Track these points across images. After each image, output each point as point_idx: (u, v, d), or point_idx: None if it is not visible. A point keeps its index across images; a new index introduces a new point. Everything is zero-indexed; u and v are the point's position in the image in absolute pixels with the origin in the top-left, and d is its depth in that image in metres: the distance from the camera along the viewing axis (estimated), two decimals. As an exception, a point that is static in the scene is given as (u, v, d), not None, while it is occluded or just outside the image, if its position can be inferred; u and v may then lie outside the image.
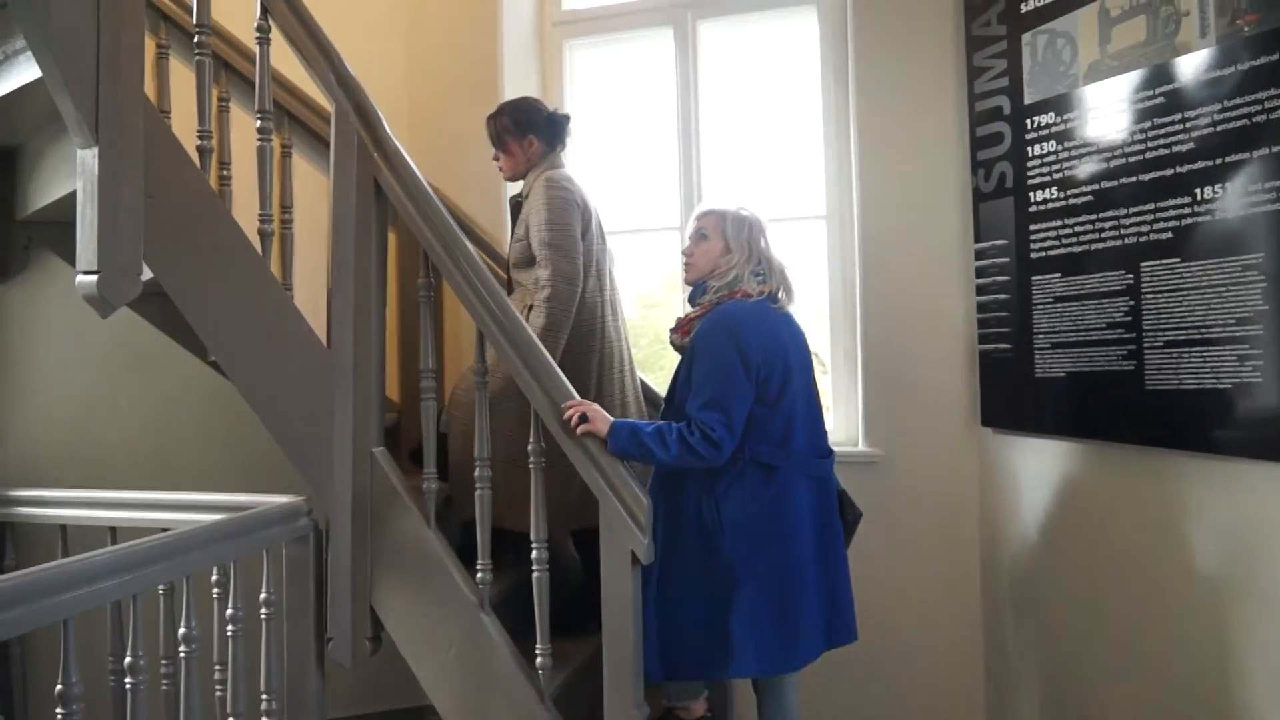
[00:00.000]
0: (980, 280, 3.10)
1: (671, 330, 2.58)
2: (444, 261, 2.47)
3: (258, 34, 2.49)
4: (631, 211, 3.87)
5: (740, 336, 2.35)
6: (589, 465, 2.33)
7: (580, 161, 3.76)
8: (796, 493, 2.40)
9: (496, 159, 2.98)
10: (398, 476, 2.54)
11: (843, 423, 3.49)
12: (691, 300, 2.57)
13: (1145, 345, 2.50)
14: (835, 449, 2.58)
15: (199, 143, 2.40)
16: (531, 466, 2.41)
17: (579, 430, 2.32)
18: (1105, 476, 2.67)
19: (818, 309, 3.60)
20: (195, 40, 2.38)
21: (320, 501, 2.56)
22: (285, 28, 2.49)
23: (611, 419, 2.34)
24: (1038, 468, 2.93)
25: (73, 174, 2.27)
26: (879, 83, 3.34)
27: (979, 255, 3.10)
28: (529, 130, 2.90)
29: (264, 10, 2.46)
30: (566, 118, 2.96)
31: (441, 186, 3.34)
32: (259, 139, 2.49)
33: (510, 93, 3.69)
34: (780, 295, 2.52)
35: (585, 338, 2.80)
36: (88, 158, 2.16)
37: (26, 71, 2.32)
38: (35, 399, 3.73)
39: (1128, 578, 2.57)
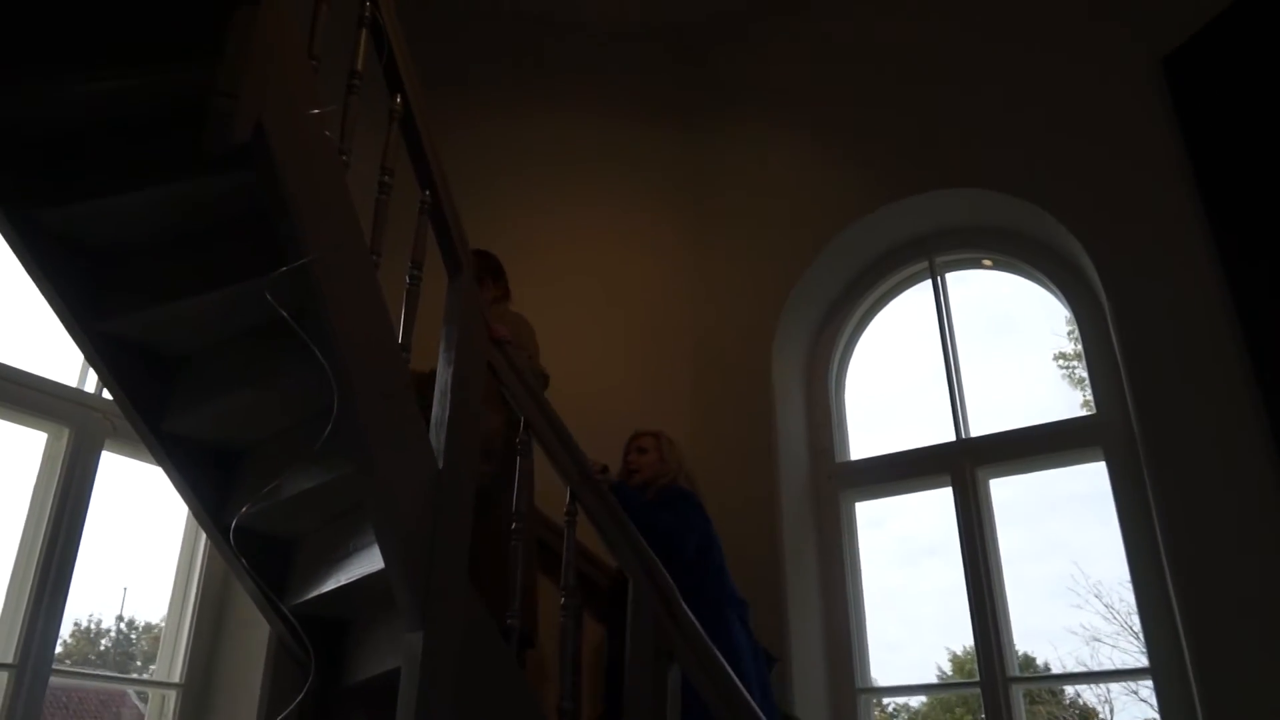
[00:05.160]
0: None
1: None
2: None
3: (567, 516, 2.71)
4: (921, 665, 3.66)
5: (700, 504, 3.29)
6: None
7: (869, 606, 3.68)
8: (746, 633, 3.10)
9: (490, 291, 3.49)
10: None
11: None
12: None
13: None
14: None
15: (509, 622, 2.54)
16: None
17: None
18: None
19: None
20: (513, 526, 2.63)
21: None
22: (590, 509, 2.70)
23: None
24: None
25: (396, 651, 2.45)
26: (1187, 524, 3.10)
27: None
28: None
29: (573, 497, 2.71)
30: None
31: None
32: (561, 615, 2.62)
33: (790, 544, 3.76)
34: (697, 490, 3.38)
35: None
36: (414, 641, 2.33)
37: (369, 563, 2.61)
38: None
39: None
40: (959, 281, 4.21)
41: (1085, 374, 3.76)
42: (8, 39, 2.18)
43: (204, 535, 3.30)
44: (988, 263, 4.19)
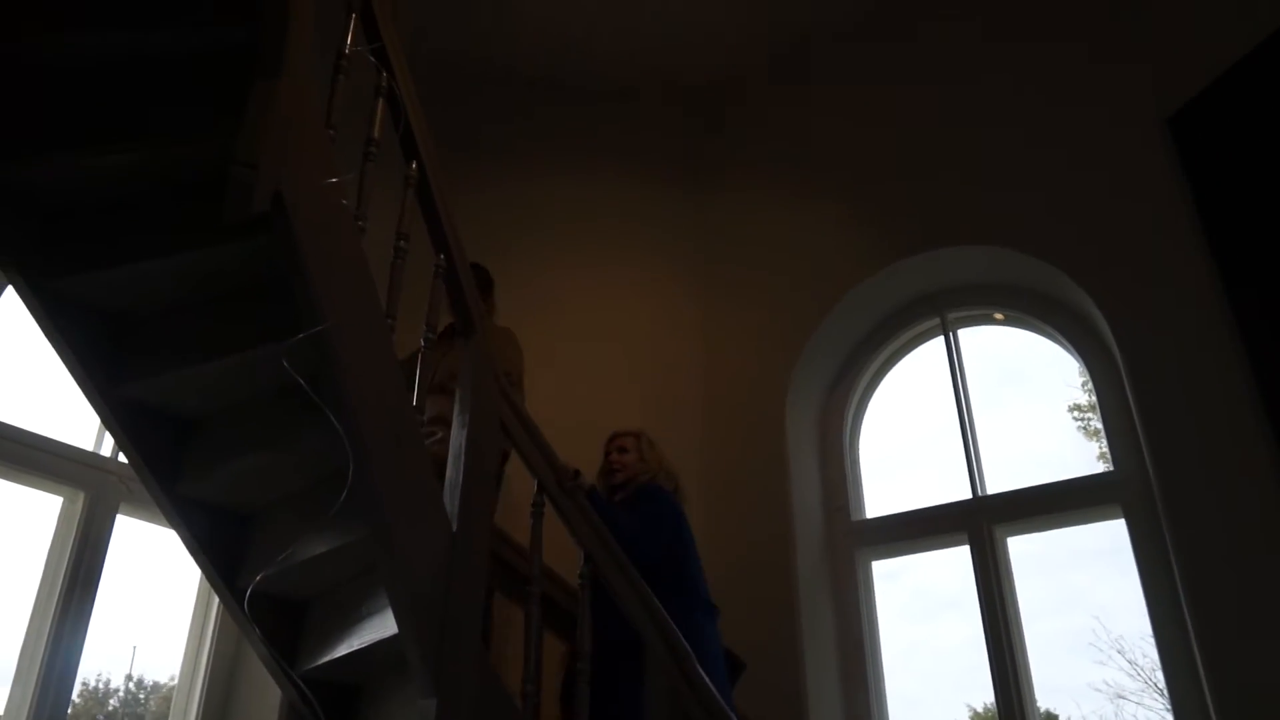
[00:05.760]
0: None
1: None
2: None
3: (580, 579, 2.69)
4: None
5: (673, 503, 3.26)
6: None
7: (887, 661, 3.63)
8: (717, 634, 3.11)
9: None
10: None
11: None
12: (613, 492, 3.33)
13: None
14: None
15: (525, 686, 2.51)
16: None
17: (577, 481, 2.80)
18: None
19: None
20: (527, 590, 2.61)
21: None
22: (607, 574, 2.68)
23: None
24: None
25: (409, 717, 2.42)
26: (1208, 582, 3.05)
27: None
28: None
29: (587, 558, 2.69)
30: None
31: None
32: (579, 681, 2.58)
33: (806, 602, 3.72)
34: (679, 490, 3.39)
35: None
36: (427, 707, 2.30)
37: (382, 627, 2.59)
38: None
39: None
40: (971, 336, 4.21)
41: (1100, 425, 3.74)
42: (26, 112, 2.23)
43: (216, 596, 3.28)
44: (999, 317, 4.19)
